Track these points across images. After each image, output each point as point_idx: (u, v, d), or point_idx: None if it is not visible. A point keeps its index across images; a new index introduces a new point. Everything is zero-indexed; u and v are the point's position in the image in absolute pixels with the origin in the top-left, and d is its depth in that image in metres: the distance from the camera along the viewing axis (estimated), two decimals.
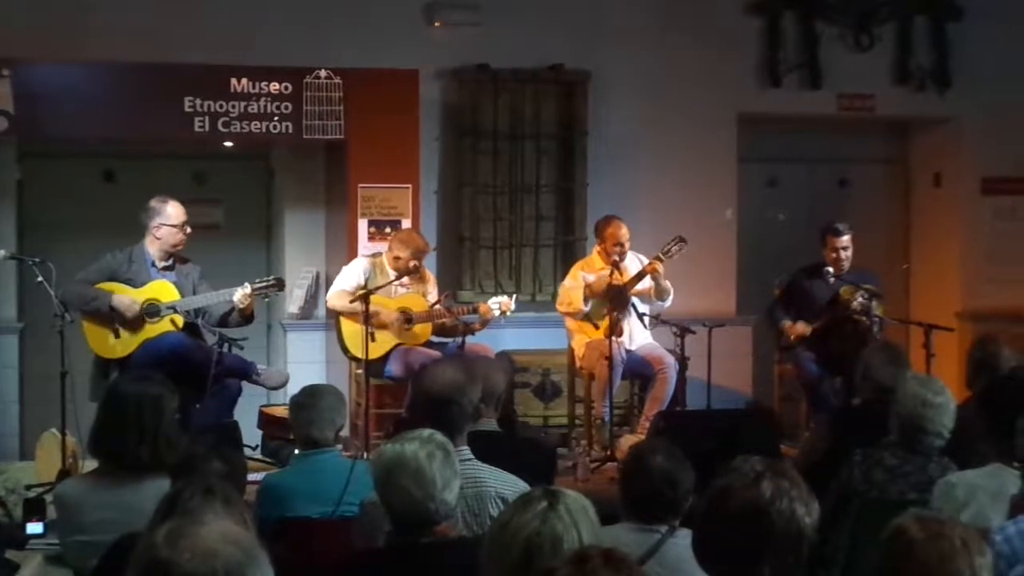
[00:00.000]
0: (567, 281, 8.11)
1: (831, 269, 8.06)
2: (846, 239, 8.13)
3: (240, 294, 7.06)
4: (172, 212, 7.11)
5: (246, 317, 7.19)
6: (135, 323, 6.99)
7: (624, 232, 7.91)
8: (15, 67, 7.98)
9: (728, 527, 2.65)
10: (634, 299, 7.91)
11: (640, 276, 7.86)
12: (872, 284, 8.04)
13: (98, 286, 7.00)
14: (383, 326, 7.57)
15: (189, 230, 7.17)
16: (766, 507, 2.61)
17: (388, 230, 8.31)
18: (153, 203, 7.13)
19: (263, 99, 8.26)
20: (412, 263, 7.70)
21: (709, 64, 9.46)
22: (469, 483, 4.05)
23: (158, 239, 7.10)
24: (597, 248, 8.09)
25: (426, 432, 3.58)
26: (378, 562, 3.58)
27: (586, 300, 7.88)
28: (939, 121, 10.19)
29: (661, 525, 3.83)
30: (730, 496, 2.65)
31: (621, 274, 7.83)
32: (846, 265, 8.14)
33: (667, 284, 7.91)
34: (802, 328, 8.09)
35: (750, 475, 2.66)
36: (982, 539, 2.62)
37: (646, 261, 7.92)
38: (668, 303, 8.00)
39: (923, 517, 2.65)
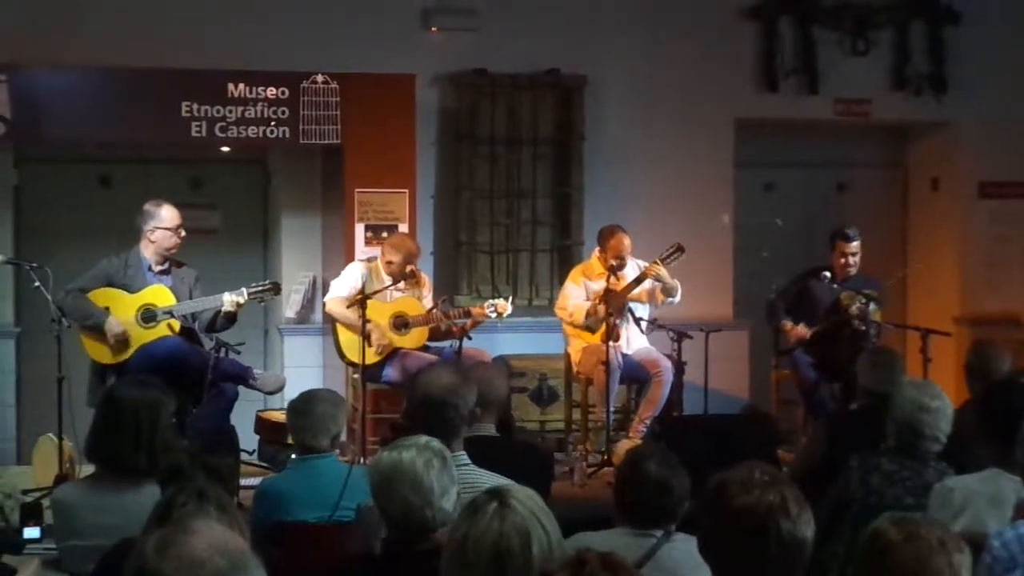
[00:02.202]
0: (569, 287, 8.10)
1: (828, 273, 8.08)
2: (855, 245, 8.16)
3: (234, 299, 7.04)
4: (166, 215, 7.10)
5: (230, 320, 7.18)
6: (120, 345, 6.96)
7: (627, 244, 7.90)
8: (12, 72, 7.98)
9: (731, 541, 2.65)
10: (631, 304, 7.92)
11: (638, 281, 7.86)
12: (873, 290, 8.05)
13: (95, 292, 6.99)
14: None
15: (184, 233, 7.15)
16: (766, 523, 2.61)
17: (385, 234, 8.29)
18: (147, 207, 7.13)
19: (260, 104, 8.26)
20: (407, 267, 7.70)
21: (706, 69, 9.46)
22: (467, 488, 4.03)
23: (153, 243, 7.09)
24: (597, 253, 8.08)
25: (423, 439, 3.56)
26: (374, 568, 3.58)
27: (587, 316, 7.89)
28: (936, 126, 10.19)
29: (656, 530, 3.83)
30: (732, 506, 2.64)
31: (618, 280, 7.83)
32: (853, 271, 8.17)
33: (673, 281, 7.90)
34: (802, 331, 8.11)
35: (752, 488, 2.65)
36: (959, 538, 2.62)
37: (644, 266, 7.91)
38: (678, 298, 7.98)
39: (900, 519, 2.64)
